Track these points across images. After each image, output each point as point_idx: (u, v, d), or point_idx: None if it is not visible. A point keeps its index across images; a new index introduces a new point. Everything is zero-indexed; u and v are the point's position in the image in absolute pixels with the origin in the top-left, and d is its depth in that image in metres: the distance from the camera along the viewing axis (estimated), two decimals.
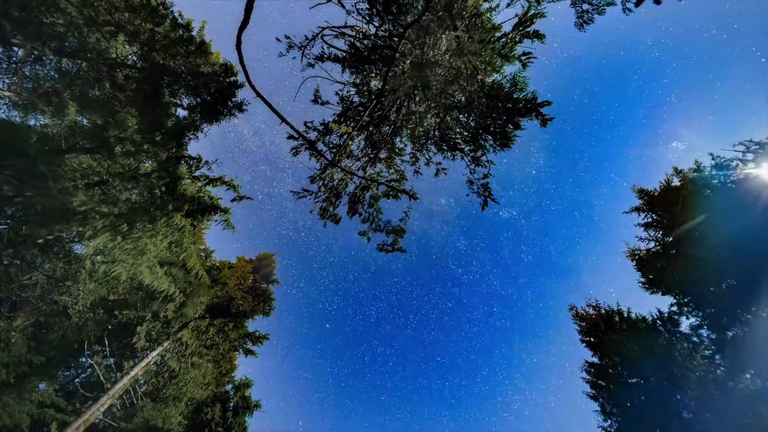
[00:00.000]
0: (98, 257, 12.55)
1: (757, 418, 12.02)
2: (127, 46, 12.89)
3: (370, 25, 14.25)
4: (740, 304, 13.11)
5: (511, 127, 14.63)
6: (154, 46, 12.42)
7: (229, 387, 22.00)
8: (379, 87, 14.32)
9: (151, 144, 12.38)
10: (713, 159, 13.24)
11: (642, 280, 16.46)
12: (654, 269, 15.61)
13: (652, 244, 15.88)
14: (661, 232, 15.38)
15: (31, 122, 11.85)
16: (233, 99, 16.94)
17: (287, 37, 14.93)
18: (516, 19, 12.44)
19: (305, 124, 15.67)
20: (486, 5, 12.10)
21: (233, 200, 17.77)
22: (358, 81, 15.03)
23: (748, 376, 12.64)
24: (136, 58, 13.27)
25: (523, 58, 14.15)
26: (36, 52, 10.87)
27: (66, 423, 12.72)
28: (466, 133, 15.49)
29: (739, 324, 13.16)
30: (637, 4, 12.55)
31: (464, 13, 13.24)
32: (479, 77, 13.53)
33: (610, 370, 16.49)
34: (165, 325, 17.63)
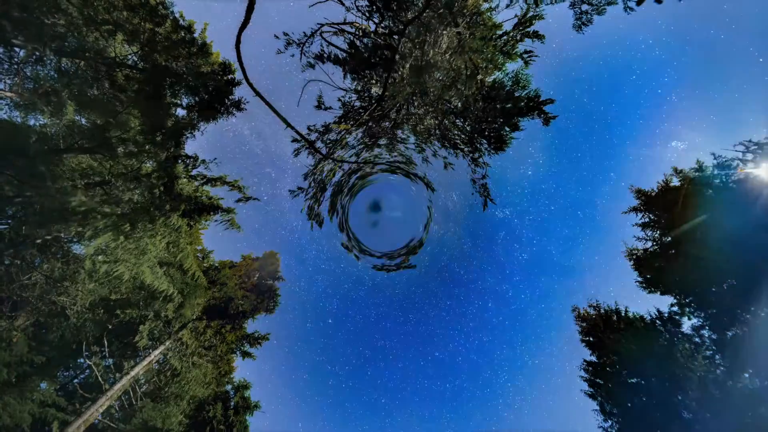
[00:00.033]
0: (100, 257, 12.57)
1: (756, 418, 12.06)
2: (126, 46, 12.87)
3: (370, 21, 14.21)
4: (740, 304, 13.15)
5: (507, 129, 14.66)
6: (156, 47, 12.41)
7: (229, 387, 22.06)
8: (380, 93, 14.17)
9: (152, 144, 12.39)
10: (715, 158, 13.31)
11: (639, 279, 16.53)
12: (652, 269, 15.66)
13: (650, 243, 15.93)
14: (658, 232, 15.43)
15: (31, 122, 11.85)
16: (230, 97, 16.92)
17: (285, 34, 14.90)
18: (515, 20, 12.44)
19: (308, 128, 15.88)
20: (486, 5, 12.08)
21: (239, 201, 17.92)
22: (359, 88, 15.23)
23: (747, 375, 12.69)
24: (136, 59, 13.26)
25: (525, 56, 14.17)
26: (37, 53, 10.85)
27: (67, 422, 12.76)
28: (463, 136, 15.69)
29: (739, 324, 13.20)
30: (639, 3, 12.57)
31: (465, 11, 13.23)
32: (479, 77, 13.52)
33: (608, 369, 16.55)
34: (166, 325, 17.66)
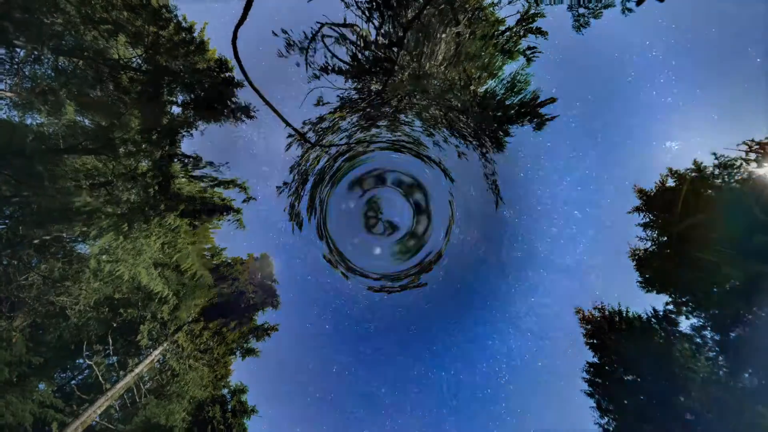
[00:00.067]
0: (104, 256, 12.49)
1: (756, 417, 11.95)
2: (130, 48, 12.76)
3: (370, 23, 14.00)
4: (739, 305, 13.03)
5: (501, 134, 14.76)
6: (159, 49, 12.31)
7: (225, 391, 21.88)
8: (379, 89, 14.11)
9: (148, 143, 12.27)
10: (716, 158, 13.16)
11: (640, 279, 16.41)
12: (651, 269, 15.55)
13: (649, 243, 15.82)
14: (656, 232, 15.31)
15: (28, 121, 11.72)
16: (232, 99, 16.78)
17: (284, 32, 14.64)
18: (518, 16, 12.32)
19: (303, 122, 15.78)
20: (489, 0, 11.95)
21: (245, 201, 18.42)
22: (359, 87, 15.30)
23: (747, 375, 12.58)
24: (140, 61, 13.15)
25: (528, 52, 13.97)
26: (36, 53, 10.72)
27: (65, 423, 12.62)
28: (469, 129, 15.60)
29: (740, 324, 13.08)
30: (638, 3, 12.46)
31: (467, 6, 13.03)
32: (472, 87, 13.60)
33: (606, 368, 16.50)
34: (163, 326, 17.54)
